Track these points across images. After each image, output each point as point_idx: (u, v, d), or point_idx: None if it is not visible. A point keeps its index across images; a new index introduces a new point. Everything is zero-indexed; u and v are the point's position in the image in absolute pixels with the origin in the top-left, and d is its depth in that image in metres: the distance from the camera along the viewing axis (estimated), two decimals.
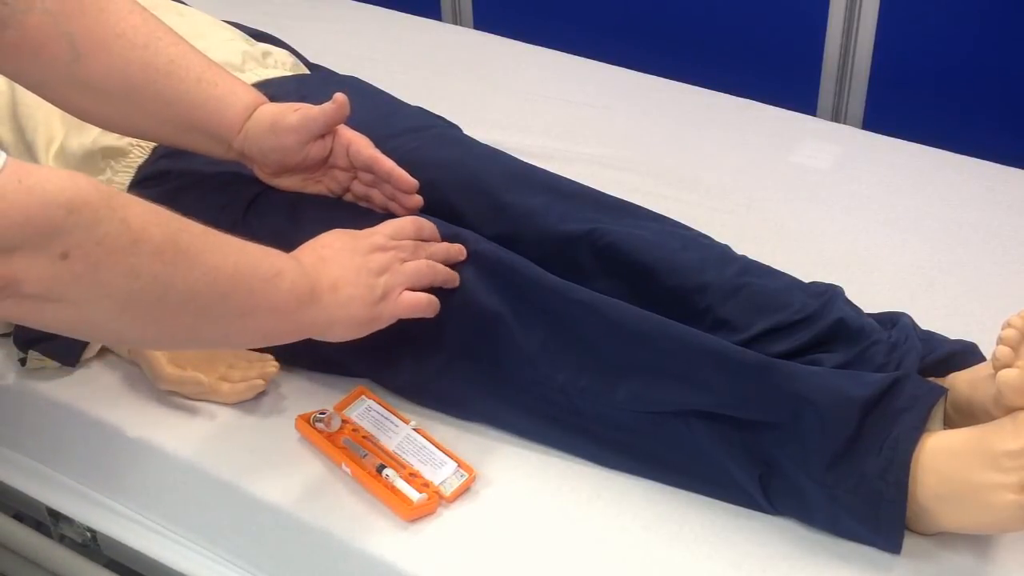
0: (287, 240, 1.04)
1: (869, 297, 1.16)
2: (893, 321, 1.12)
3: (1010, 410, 0.97)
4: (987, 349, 1.06)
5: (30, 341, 1.22)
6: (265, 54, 1.45)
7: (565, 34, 2.00)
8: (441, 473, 1.08)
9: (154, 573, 1.24)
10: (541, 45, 1.94)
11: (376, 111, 1.32)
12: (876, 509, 0.98)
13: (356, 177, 1.20)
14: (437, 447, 1.10)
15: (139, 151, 1.29)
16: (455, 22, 2.31)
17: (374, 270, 1.06)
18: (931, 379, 1.05)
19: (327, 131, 1.16)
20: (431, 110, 1.39)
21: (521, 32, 1.98)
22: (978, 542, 1.01)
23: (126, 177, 1.28)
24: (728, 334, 1.08)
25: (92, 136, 1.27)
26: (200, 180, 1.25)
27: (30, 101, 1.27)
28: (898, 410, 0.99)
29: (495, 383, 1.12)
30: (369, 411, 1.14)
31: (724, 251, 1.18)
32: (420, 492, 1.06)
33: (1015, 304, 1.06)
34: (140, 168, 1.28)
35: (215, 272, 0.92)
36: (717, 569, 1.01)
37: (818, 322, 1.08)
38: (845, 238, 1.43)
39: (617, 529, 1.05)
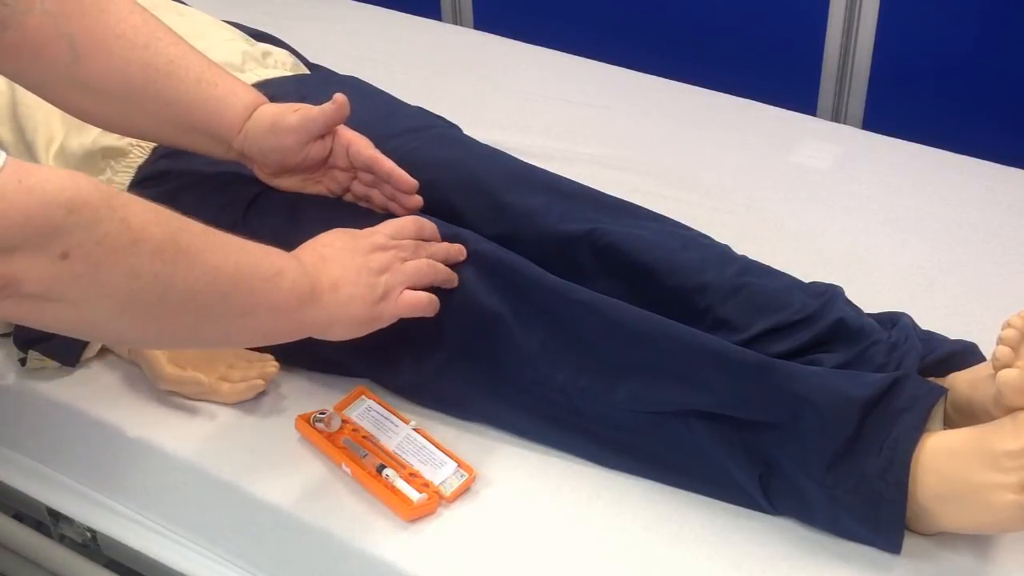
0: (287, 240, 1.04)
1: (869, 297, 1.16)
2: (893, 321, 1.12)
3: (1010, 410, 0.97)
4: (987, 349, 1.06)
5: (30, 341, 1.22)
6: (265, 54, 1.45)
7: (565, 34, 2.00)
8: (441, 473, 1.08)
9: (154, 573, 1.24)
10: (541, 45, 1.94)
11: (376, 111, 1.32)
12: (876, 509, 0.98)
13: (356, 177, 1.20)
14: (437, 447, 1.10)
15: (139, 151, 1.29)
16: (455, 22, 2.31)
17: (375, 269, 1.06)
18: (931, 379, 1.05)
19: (327, 131, 1.16)
20: (431, 110, 1.39)
21: (521, 32, 1.98)
22: (978, 542, 1.01)
23: (126, 177, 1.28)
24: (728, 334, 1.08)
25: (92, 136, 1.27)
26: (200, 180, 1.25)
27: (30, 101, 1.27)
28: (898, 410, 0.99)
29: (495, 383, 1.12)
30: (369, 411, 1.14)
31: (724, 251, 1.18)
32: (420, 492, 1.06)
33: (1015, 304, 1.06)
34: (140, 168, 1.28)
35: (216, 271, 0.92)
36: (717, 569, 1.01)
37: (818, 322, 1.08)
38: (845, 238, 1.43)
39: (617, 529, 1.05)
